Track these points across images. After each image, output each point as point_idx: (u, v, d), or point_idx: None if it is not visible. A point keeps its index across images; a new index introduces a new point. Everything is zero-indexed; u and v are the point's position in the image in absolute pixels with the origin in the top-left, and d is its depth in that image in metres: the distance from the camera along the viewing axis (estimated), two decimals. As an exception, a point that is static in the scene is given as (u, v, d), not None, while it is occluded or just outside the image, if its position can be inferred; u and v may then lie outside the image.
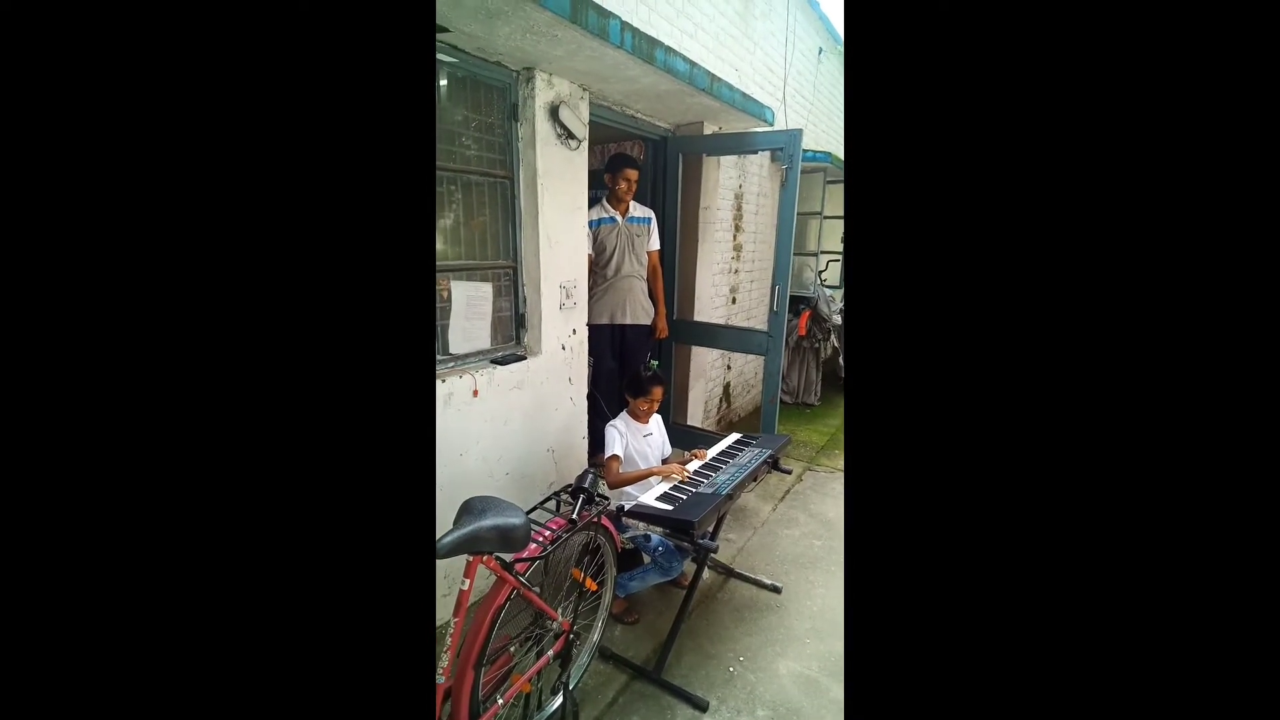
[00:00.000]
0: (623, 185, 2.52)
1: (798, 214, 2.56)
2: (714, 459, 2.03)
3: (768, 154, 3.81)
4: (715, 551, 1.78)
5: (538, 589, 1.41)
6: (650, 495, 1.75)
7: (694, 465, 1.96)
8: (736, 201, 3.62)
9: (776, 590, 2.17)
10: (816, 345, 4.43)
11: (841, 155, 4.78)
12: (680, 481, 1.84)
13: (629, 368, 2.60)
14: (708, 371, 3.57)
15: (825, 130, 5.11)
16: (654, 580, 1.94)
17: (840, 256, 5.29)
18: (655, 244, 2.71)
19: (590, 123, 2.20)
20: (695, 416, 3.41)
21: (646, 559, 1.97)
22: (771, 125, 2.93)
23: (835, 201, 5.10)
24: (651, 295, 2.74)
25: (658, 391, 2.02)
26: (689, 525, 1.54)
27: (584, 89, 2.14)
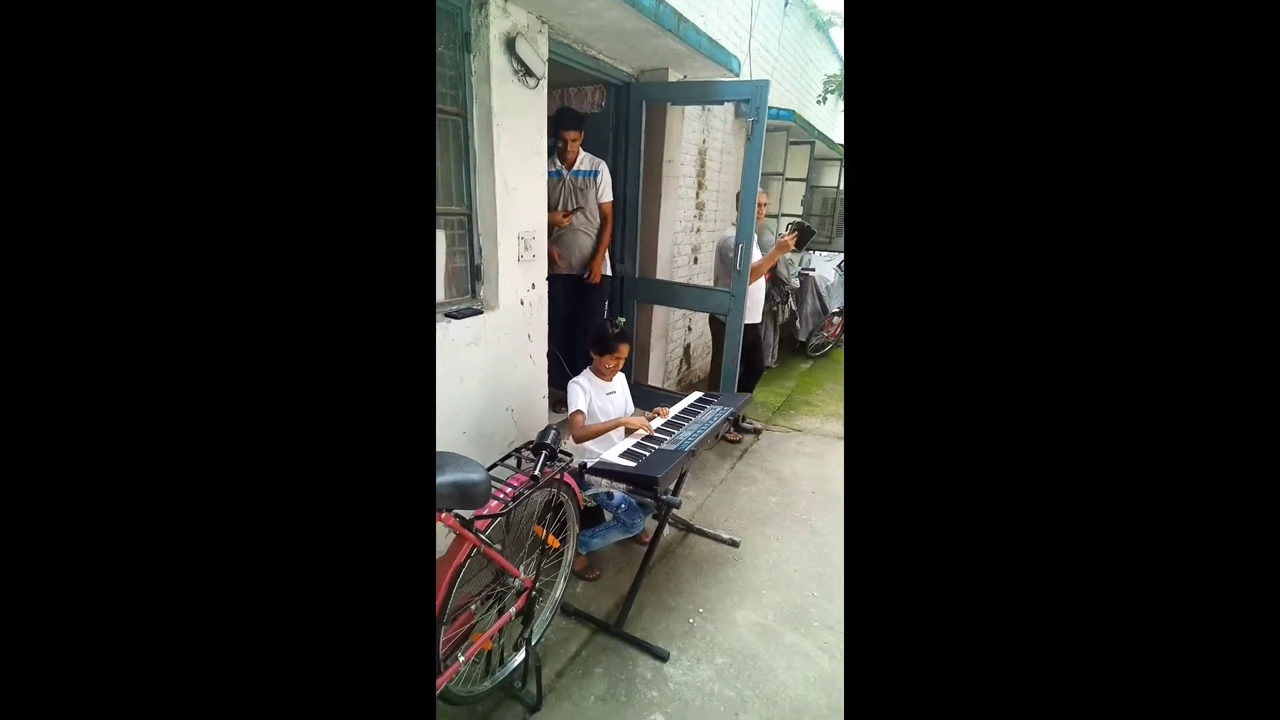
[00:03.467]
0: (560, 144, 2.48)
1: (760, 175, 2.51)
2: (676, 416, 2.02)
3: (731, 110, 3.71)
4: (678, 507, 1.78)
5: (499, 546, 1.36)
6: (614, 452, 1.73)
7: (657, 423, 1.95)
8: (700, 157, 3.53)
9: (735, 544, 2.22)
10: (775, 308, 4.46)
11: (804, 114, 4.72)
12: (644, 437, 1.82)
13: (581, 324, 2.53)
14: (669, 332, 3.54)
15: (790, 89, 5.02)
16: (616, 537, 1.94)
17: (801, 219, 5.31)
18: (607, 195, 2.61)
19: (550, 61, 2.05)
20: (655, 377, 3.40)
21: (608, 516, 1.96)
22: (738, 76, 2.84)
23: (797, 163, 5.08)
24: (598, 245, 2.67)
25: (624, 349, 1.98)
26: (653, 481, 1.53)
27: (542, 20, 1.98)
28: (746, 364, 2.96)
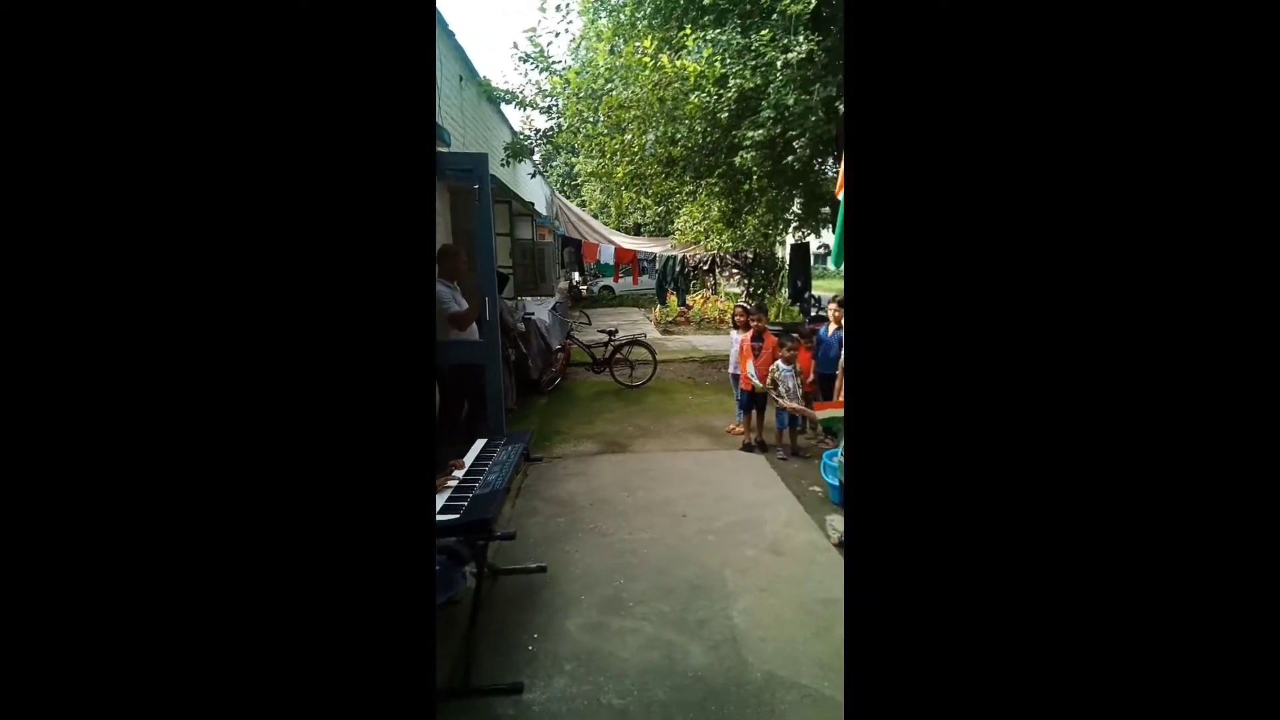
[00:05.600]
0: None
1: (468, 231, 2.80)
2: (473, 465, 2.10)
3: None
4: (514, 538, 1.88)
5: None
6: (430, 512, 1.73)
7: (458, 473, 2.00)
8: (414, 218, 3.57)
9: (543, 569, 2.39)
10: (507, 353, 4.74)
11: (498, 178, 5.19)
12: (453, 491, 1.86)
13: None
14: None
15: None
16: (438, 602, 1.89)
17: (504, 267, 5.74)
18: None
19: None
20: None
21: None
22: (449, 146, 3.06)
23: (501, 221, 5.52)
24: None
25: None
26: (486, 522, 1.63)
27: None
28: (475, 406, 3.12)
